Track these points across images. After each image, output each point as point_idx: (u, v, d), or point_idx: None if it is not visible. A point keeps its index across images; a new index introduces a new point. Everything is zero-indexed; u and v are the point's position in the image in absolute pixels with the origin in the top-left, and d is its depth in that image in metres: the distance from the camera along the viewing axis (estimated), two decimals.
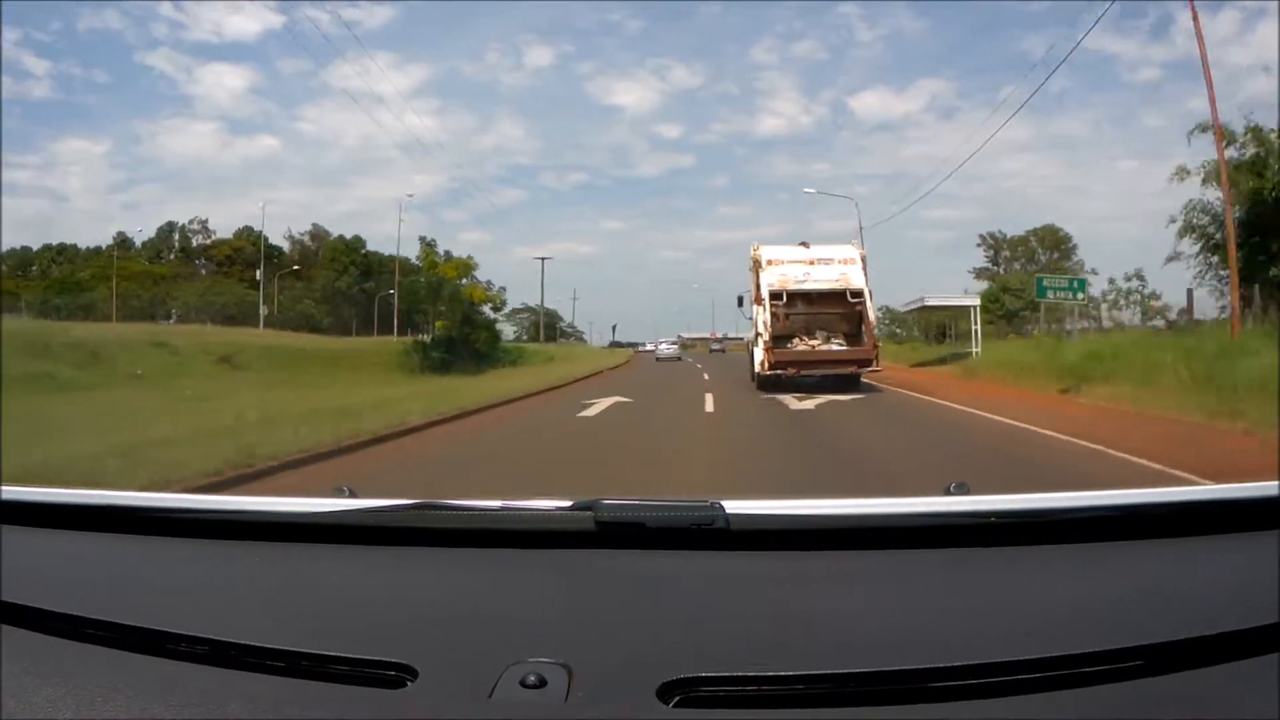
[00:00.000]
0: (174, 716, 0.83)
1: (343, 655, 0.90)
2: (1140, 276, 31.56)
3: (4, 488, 1.37)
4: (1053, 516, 1.21)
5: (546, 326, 62.29)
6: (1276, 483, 1.16)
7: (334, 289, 58.91)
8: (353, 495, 1.38)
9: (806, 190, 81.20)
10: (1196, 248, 22.15)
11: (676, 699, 0.84)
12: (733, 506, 1.15)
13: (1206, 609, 0.98)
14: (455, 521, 1.26)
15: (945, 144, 72.11)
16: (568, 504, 1.20)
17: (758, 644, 0.94)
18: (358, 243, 61.44)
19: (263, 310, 46.26)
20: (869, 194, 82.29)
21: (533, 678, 0.85)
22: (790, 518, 1.22)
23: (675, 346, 44.97)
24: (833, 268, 16.76)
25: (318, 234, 65.23)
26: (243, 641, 0.93)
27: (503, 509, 1.24)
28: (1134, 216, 68.75)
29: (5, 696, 0.85)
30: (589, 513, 1.16)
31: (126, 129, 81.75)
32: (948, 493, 1.35)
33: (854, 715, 0.83)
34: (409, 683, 0.87)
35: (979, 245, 57.25)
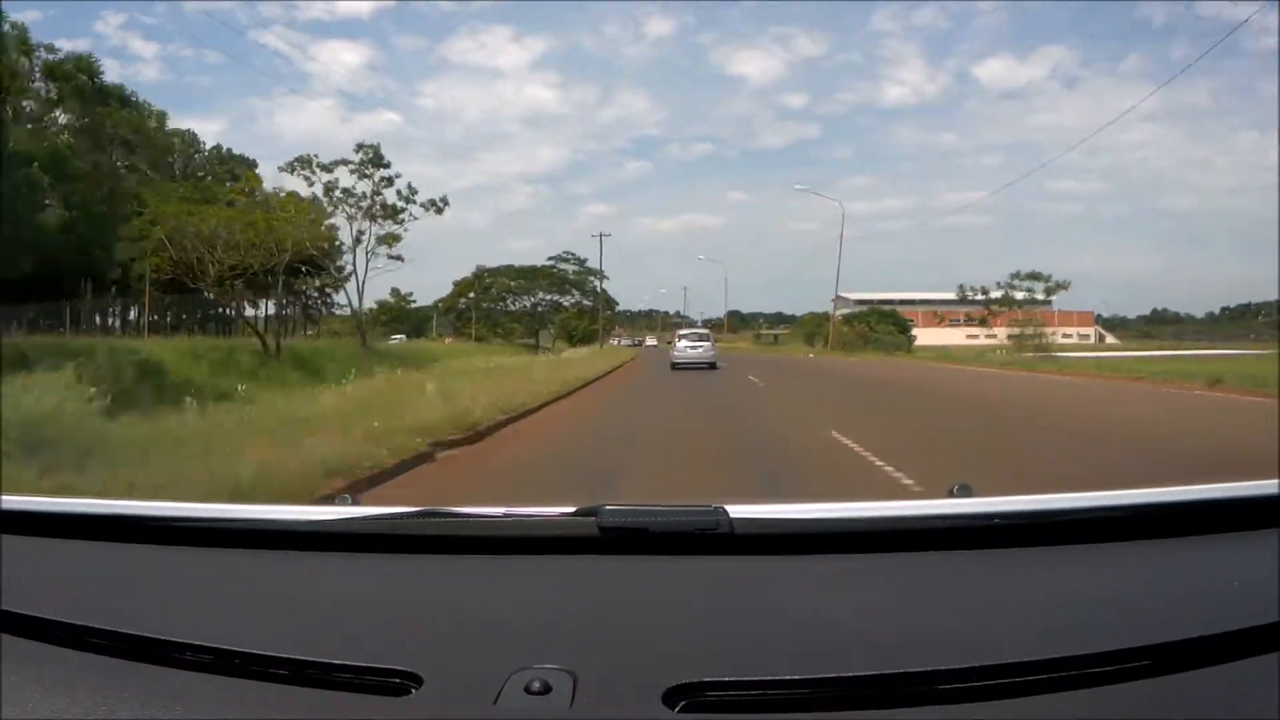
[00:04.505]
0: None
1: (347, 663, 0.90)
2: None
3: (6, 497, 1.38)
4: (1055, 518, 1.22)
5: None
6: (1277, 481, 1.17)
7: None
8: (356, 504, 1.39)
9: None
10: None
11: (682, 704, 0.84)
12: (736, 511, 1.16)
13: (1210, 608, 0.98)
14: (458, 529, 1.26)
15: (1069, 113, 70.88)
16: (571, 510, 1.20)
17: (763, 648, 0.94)
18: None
19: None
20: (996, 164, 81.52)
21: (538, 684, 0.85)
22: (794, 521, 1.22)
23: (705, 344, 27.59)
24: None
25: None
26: (247, 650, 0.93)
27: (506, 516, 1.24)
28: (1252, 190, 65.58)
29: (8, 706, 0.85)
30: (592, 519, 1.16)
31: (241, 107, 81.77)
32: (951, 495, 1.35)
33: (860, 718, 0.83)
34: (414, 690, 0.86)
35: None
